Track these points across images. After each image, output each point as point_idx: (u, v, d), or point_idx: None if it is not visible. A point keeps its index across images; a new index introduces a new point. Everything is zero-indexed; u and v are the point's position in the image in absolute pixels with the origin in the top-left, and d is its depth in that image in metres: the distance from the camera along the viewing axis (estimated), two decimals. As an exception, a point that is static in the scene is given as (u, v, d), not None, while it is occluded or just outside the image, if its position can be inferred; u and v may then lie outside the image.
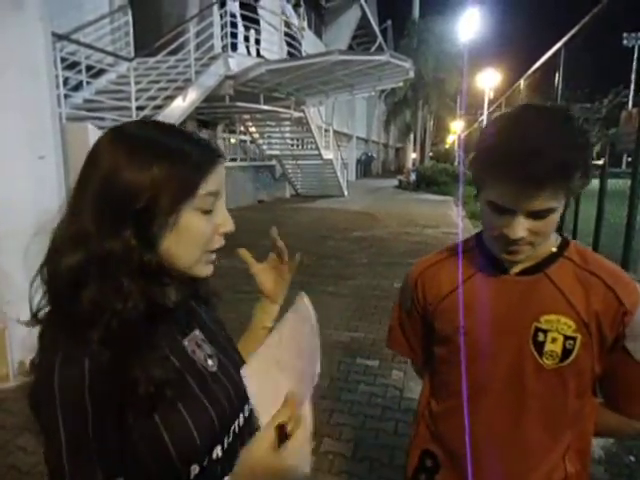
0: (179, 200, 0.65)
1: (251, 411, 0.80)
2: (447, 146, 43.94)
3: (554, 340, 0.88)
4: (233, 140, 14.89)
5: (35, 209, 3.35)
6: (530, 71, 9.29)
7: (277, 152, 15.76)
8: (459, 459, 0.97)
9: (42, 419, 0.61)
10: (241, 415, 0.78)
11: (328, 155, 15.26)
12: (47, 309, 0.67)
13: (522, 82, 10.06)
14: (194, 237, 0.68)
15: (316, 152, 14.64)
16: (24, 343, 3.25)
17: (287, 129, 15.00)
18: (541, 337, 0.89)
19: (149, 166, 0.63)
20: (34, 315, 0.68)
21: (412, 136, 34.66)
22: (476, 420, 0.95)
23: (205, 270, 0.73)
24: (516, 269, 0.92)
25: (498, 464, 0.94)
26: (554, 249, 0.92)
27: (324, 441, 2.53)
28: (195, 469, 0.68)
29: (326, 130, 15.91)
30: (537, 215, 0.81)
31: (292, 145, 16.26)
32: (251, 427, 0.79)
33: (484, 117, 14.17)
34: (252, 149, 15.78)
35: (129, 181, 0.62)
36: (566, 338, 0.88)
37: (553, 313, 0.89)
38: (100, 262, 0.62)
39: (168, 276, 0.69)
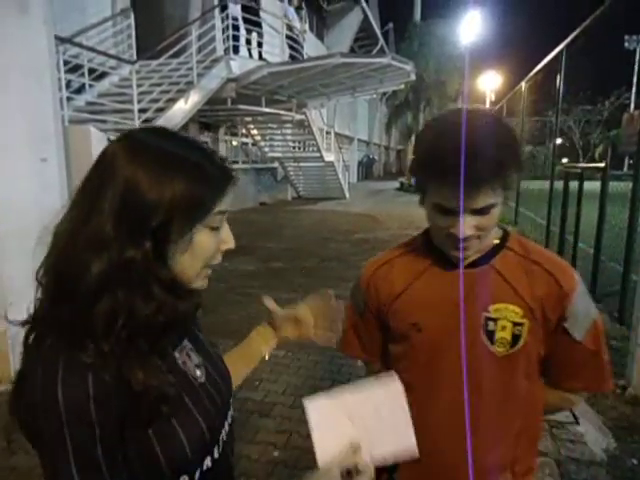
0: (196, 220, 0.66)
1: (232, 418, 0.81)
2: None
3: (503, 328, 0.93)
4: (235, 143, 14.92)
5: (37, 211, 3.36)
6: (532, 73, 9.29)
7: (279, 154, 15.78)
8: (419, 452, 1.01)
9: (45, 435, 0.59)
10: (226, 423, 0.79)
11: (330, 157, 15.27)
12: (43, 311, 0.65)
13: (523, 84, 10.07)
14: (201, 253, 0.69)
15: (318, 154, 14.67)
16: (26, 345, 3.26)
17: (289, 131, 15.03)
18: (491, 326, 0.93)
19: (170, 181, 0.63)
20: (34, 317, 0.66)
21: (413, 138, 34.64)
22: (434, 413, 0.98)
23: (202, 283, 0.73)
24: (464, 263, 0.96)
25: (457, 453, 0.97)
26: (497, 241, 0.97)
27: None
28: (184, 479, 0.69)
29: (328, 132, 15.94)
30: (480, 212, 0.86)
31: (294, 147, 16.29)
32: (232, 435, 0.81)
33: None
34: (254, 151, 15.81)
35: (149, 196, 0.62)
36: (514, 325, 0.92)
37: (501, 302, 0.93)
38: (121, 269, 0.61)
39: (183, 289, 0.69)
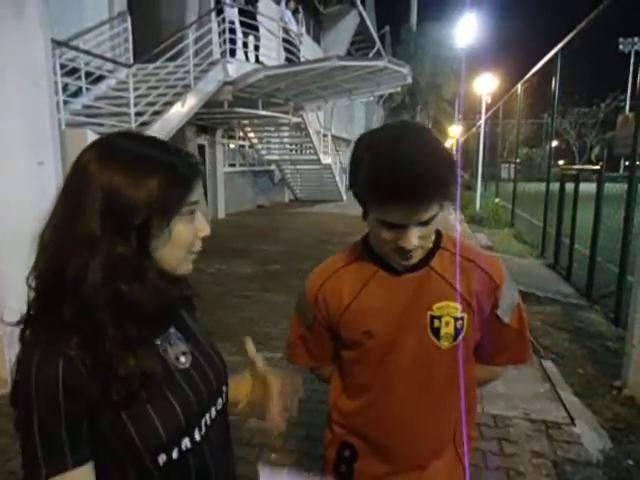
0: (172, 214, 0.72)
1: (224, 404, 0.88)
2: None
3: (447, 323, 1.01)
4: (232, 145, 14.92)
5: (35, 214, 3.33)
6: (527, 76, 9.34)
7: (276, 157, 15.78)
8: (376, 446, 1.09)
9: (20, 412, 0.67)
10: (213, 408, 0.84)
11: (327, 160, 15.28)
12: (36, 311, 0.71)
13: (519, 87, 10.12)
14: (180, 243, 0.75)
15: (315, 157, 14.69)
16: (23, 349, 3.25)
17: (286, 134, 15.03)
18: (437, 323, 1.01)
19: (144, 182, 0.69)
20: (27, 316, 0.72)
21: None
22: (389, 409, 1.05)
23: (187, 268, 0.79)
24: (404, 267, 1.02)
25: (408, 442, 1.07)
26: (431, 244, 1.02)
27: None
28: (163, 458, 0.74)
29: (325, 135, 15.96)
30: (425, 223, 0.91)
31: (291, 150, 16.29)
32: (224, 419, 0.88)
33: (482, 122, 14.21)
34: (251, 154, 15.81)
35: (127, 198, 0.68)
36: (456, 320, 1.01)
37: (443, 300, 1.01)
38: (110, 264, 0.67)
39: (164, 276, 0.74)
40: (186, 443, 0.77)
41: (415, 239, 0.91)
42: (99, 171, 0.69)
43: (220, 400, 0.86)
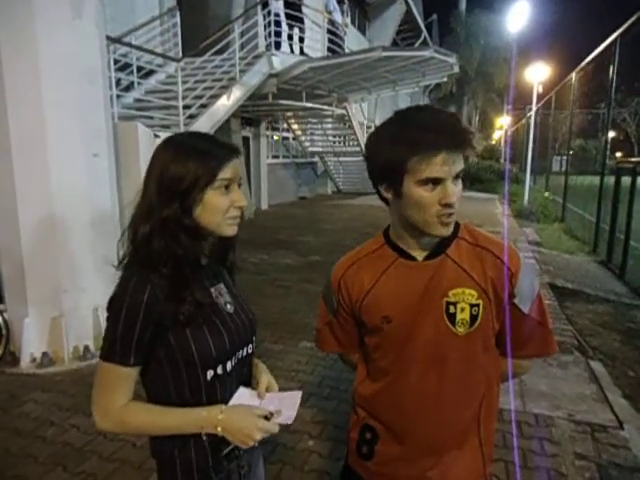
0: (204, 184, 0.96)
1: (252, 350, 1.13)
2: (493, 142, 42.65)
3: (463, 310, 1.03)
4: (276, 137, 15.07)
5: (89, 205, 3.56)
6: (582, 64, 8.89)
7: (319, 149, 15.81)
8: (394, 430, 1.13)
9: (110, 313, 0.95)
10: (245, 348, 1.09)
11: (370, 152, 15.12)
12: (130, 256, 0.99)
13: (574, 75, 9.65)
14: (215, 209, 0.99)
15: (358, 149, 14.59)
16: (78, 330, 3.47)
17: (329, 126, 15.01)
18: (452, 309, 1.03)
19: (186, 161, 0.96)
20: (120, 262, 1.01)
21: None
22: (406, 393, 1.09)
23: (229, 231, 1.02)
24: (422, 256, 1.07)
25: (428, 425, 1.09)
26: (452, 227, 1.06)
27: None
28: (210, 373, 1.00)
29: (368, 127, 15.82)
30: (457, 177, 0.97)
31: (334, 142, 16.28)
32: (250, 361, 1.13)
33: (532, 112, 13.66)
34: (294, 146, 15.92)
35: (172, 172, 0.96)
36: (471, 306, 1.03)
37: (458, 287, 1.04)
38: (161, 224, 0.96)
39: (202, 235, 1.01)
40: (228, 366, 1.03)
41: (455, 193, 0.96)
42: (160, 158, 0.98)
43: (251, 345, 1.12)
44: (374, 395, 1.15)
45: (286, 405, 1.04)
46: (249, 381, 1.13)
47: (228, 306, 1.07)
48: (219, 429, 0.95)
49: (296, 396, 1.07)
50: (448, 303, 1.03)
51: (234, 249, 1.14)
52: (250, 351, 1.11)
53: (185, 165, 0.95)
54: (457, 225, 1.09)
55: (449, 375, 1.07)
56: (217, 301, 1.05)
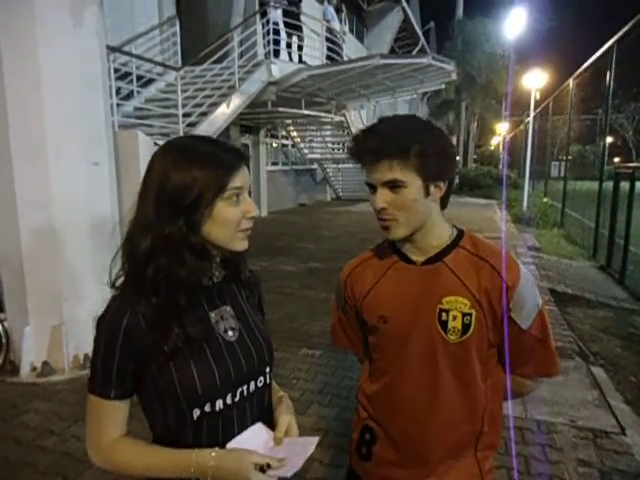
0: (214, 196, 0.84)
1: (265, 384, 0.98)
2: (491, 148, 42.77)
3: (455, 318, 1.03)
4: (275, 145, 15.12)
5: (89, 212, 3.56)
6: (580, 70, 8.95)
7: (318, 156, 15.85)
8: (391, 433, 1.13)
9: (95, 335, 0.86)
10: (252, 383, 0.94)
11: (369, 159, 15.15)
12: (122, 278, 0.89)
13: (571, 81, 9.70)
14: (226, 222, 0.86)
15: (357, 156, 14.60)
16: (78, 339, 3.46)
17: (328, 133, 15.05)
18: (444, 316, 1.04)
19: (190, 169, 0.83)
20: (112, 284, 0.91)
21: (455, 138, 34.01)
22: (399, 396, 1.10)
23: (240, 245, 0.91)
24: (420, 260, 1.08)
25: (423, 430, 1.08)
26: (449, 242, 1.08)
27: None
28: (197, 412, 0.87)
29: (367, 133, 15.81)
30: (390, 186, 0.99)
31: (333, 149, 16.33)
32: (262, 396, 0.98)
33: (530, 118, 13.72)
34: (293, 153, 15.97)
35: (176, 181, 0.82)
36: (464, 315, 1.03)
37: (452, 295, 1.04)
38: (163, 243, 0.83)
39: (210, 254, 0.89)
40: (219, 404, 0.89)
41: (381, 200, 1.00)
42: (157, 165, 0.86)
43: (262, 378, 0.97)
44: (373, 395, 1.17)
45: (296, 452, 0.91)
46: (267, 417, 0.99)
47: (230, 333, 0.93)
48: (209, 479, 0.83)
49: (311, 443, 0.94)
50: (441, 310, 1.04)
51: (245, 261, 1.01)
52: (261, 384, 0.96)
53: (189, 173, 0.82)
54: (460, 233, 1.10)
55: (441, 382, 1.05)
56: (216, 327, 0.92)
